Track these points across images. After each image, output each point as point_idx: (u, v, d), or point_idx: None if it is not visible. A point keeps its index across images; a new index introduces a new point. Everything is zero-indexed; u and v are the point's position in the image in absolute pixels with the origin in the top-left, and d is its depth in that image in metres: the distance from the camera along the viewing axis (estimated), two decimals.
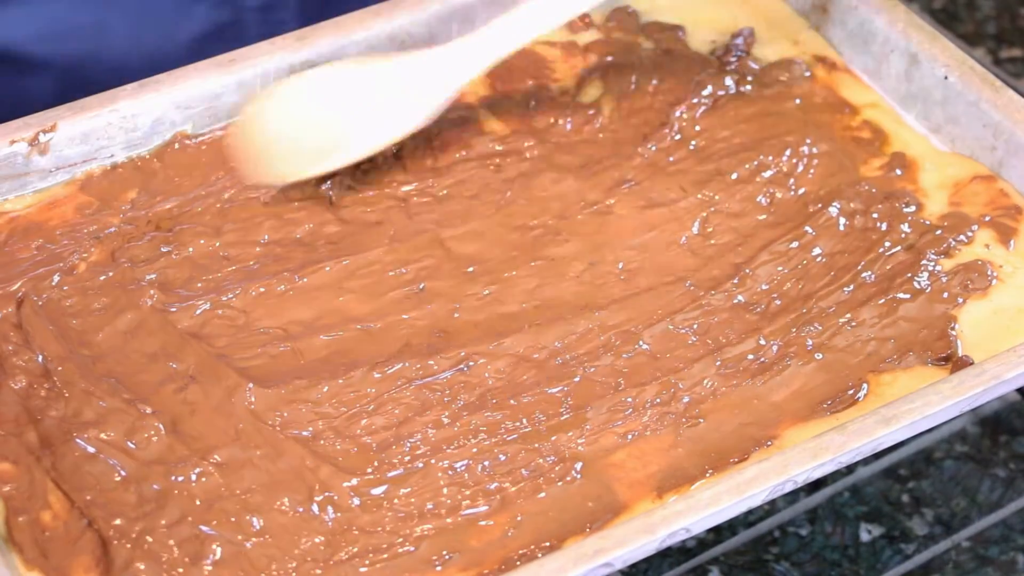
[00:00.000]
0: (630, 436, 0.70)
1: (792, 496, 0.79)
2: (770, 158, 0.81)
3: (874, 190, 0.80)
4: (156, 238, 0.76)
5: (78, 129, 0.78)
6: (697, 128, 0.83)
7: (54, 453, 0.67)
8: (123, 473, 0.67)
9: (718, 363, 0.72)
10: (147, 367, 0.71)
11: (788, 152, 0.81)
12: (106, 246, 0.76)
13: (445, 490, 0.67)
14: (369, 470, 0.68)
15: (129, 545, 0.64)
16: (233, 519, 0.65)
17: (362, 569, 0.65)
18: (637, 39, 0.87)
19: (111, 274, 0.74)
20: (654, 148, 0.82)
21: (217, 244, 0.76)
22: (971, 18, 1.08)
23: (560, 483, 0.68)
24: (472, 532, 0.66)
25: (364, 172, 0.79)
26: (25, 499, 0.66)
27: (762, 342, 0.73)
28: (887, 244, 0.77)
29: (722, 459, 0.69)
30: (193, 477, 0.67)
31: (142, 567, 0.63)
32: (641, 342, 0.73)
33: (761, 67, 0.86)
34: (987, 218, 0.79)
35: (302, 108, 0.79)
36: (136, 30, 0.90)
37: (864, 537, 0.78)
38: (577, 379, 0.71)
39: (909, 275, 0.76)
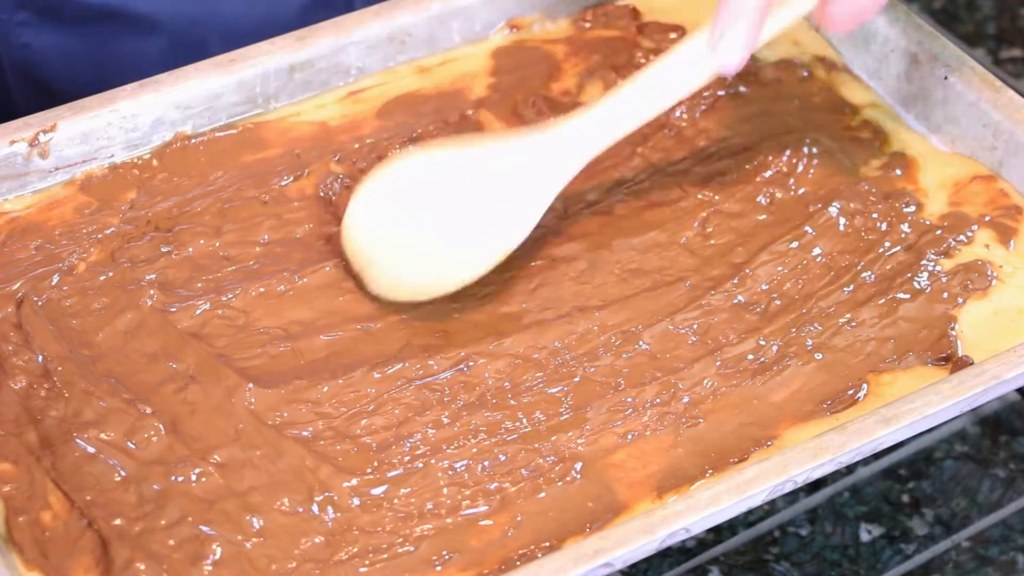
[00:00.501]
0: (630, 436, 0.70)
1: (792, 496, 0.79)
2: (770, 158, 0.81)
3: (874, 190, 0.80)
4: (156, 238, 0.76)
5: (78, 129, 0.78)
6: (697, 128, 0.83)
7: (54, 453, 0.67)
8: (123, 473, 0.67)
9: (718, 363, 0.72)
10: (147, 367, 0.71)
11: (788, 152, 0.81)
12: (106, 246, 0.76)
13: (445, 490, 0.67)
14: (369, 470, 0.68)
15: (129, 545, 0.64)
16: (233, 519, 0.65)
17: (362, 569, 0.65)
18: (637, 39, 0.87)
19: (111, 274, 0.74)
20: (654, 148, 0.82)
21: (217, 244, 0.76)
22: (971, 18, 1.08)
23: (560, 483, 0.68)
24: (472, 532, 0.66)
25: (364, 172, 0.80)
26: (25, 499, 0.66)
27: (762, 342, 0.73)
28: (887, 244, 0.77)
29: (722, 459, 0.69)
30: (193, 477, 0.67)
31: (142, 567, 0.63)
32: (641, 342, 0.73)
33: (761, 67, 0.86)
34: (987, 218, 0.79)
35: (407, 212, 0.73)
36: None
37: (864, 537, 0.78)
38: (577, 379, 0.71)
39: (909, 275, 0.76)
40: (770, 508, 0.79)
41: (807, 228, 0.78)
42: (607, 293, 0.75)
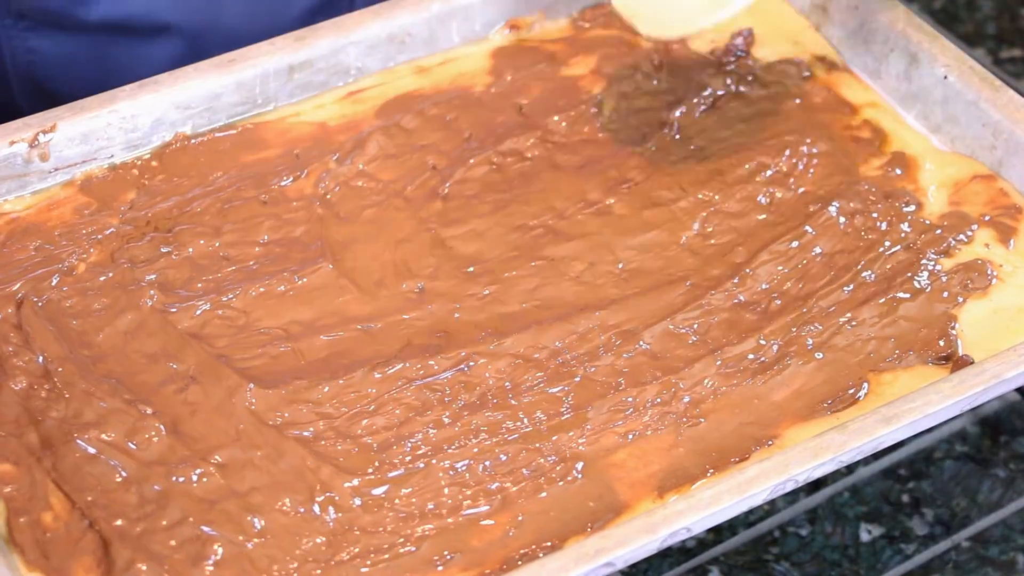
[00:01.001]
0: (631, 436, 0.70)
1: (792, 496, 0.79)
2: (770, 158, 0.81)
3: (874, 189, 0.80)
4: (156, 239, 0.76)
5: (77, 129, 0.78)
6: (697, 128, 0.83)
7: (55, 454, 0.67)
8: (124, 474, 0.67)
9: (718, 363, 0.72)
10: (147, 368, 0.71)
11: (788, 152, 0.81)
12: (106, 247, 0.75)
13: (446, 490, 0.67)
14: (370, 470, 0.68)
15: (130, 546, 0.64)
16: (234, 520, 0.65)
17: (363, 569, 0.65)
18: (637, 39, 0.87)
19: (111, 275, 0.74)
20: (654, 148, 0.82)
21: (217, 244, 0.76)
22: (971, 18, 1.08)
23: (561, 483, 0.68)
24: (473, 532, 0.66)
25: (364, 171, 0.80)
26: (26, 500, 0.66)
27: (762, 342, 0.73)
28: (887, 243, 0.77)
29: (723, 458, 0.69)
30: (194, 478, 0.66)
31: (143, 568, 0.63)
32: (641, 342, 0.73)
33: (761, 67, 0.86)
34: (987, 217, 0.79)
35: None
36: (252, 1, 0.90)
37: (864, 537, 0.78)
38: (578, 379, 0.71)
39: (909, 274, 0.76)
40: (770, 508, 0.78)
41: (807, 228, 0.78)
42: (607, 293, 0.75)
